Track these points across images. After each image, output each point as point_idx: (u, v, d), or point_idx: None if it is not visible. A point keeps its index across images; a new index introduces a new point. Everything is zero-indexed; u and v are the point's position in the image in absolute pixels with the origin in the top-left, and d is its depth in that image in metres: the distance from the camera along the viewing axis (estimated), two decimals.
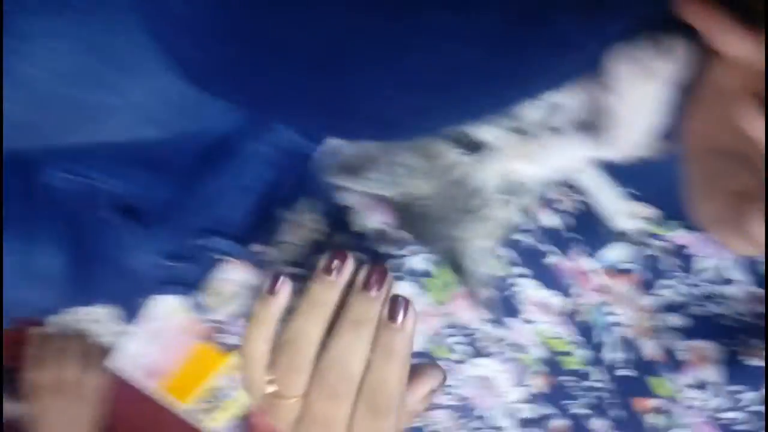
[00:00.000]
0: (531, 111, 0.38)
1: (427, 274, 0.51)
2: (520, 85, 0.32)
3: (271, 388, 0.39)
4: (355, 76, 0.30)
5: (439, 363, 0.53)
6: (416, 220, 0.39)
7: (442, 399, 0.55)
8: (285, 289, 0.39)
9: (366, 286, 0.38)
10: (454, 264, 0.42)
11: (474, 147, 0.38)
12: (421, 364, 0.41)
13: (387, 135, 0.37)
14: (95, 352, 1.05)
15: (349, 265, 0.39)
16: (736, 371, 0.48)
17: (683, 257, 0.50)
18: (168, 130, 0.42)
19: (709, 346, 0.49)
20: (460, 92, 0.31)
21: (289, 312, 0.39)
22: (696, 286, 0.51)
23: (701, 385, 0.48)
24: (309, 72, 0.30)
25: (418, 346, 0.53)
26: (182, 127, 0.42)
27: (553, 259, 0.50)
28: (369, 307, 0.38)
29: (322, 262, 0.39)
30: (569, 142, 0.38)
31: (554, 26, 0.28)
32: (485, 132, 0.38)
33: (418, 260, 0.51)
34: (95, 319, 1.03)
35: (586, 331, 0.50)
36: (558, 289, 0.50)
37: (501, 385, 0.53)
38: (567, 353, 0.51)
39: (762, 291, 0.51)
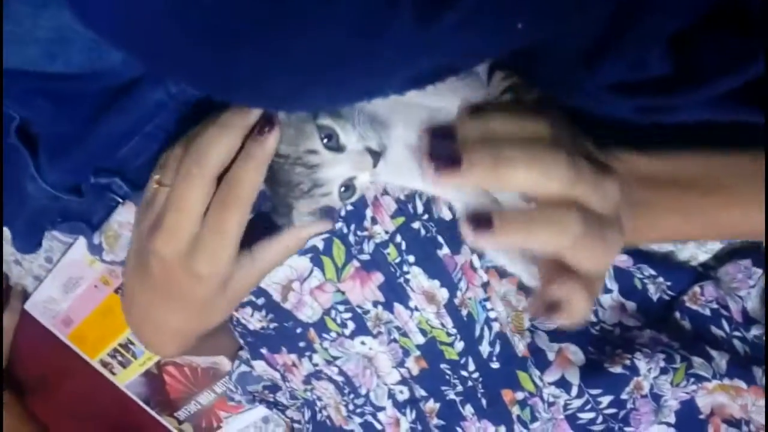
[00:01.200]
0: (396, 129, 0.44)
1: (323, 251, 0.53)
2: (383, 73, 0.34)
3: (156, 176, 0.45)
4: (236, 53, 0.32)
5: (332, 335, 0.55)
6: (269, 169, 0.44)
7: (332, 371, 0.57)
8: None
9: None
10: (284, 221, 0.47)
11: (334, 147, 0.43)
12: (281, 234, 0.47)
13: (263, 103, 0.40)
14: (13, 294, 1.04)
15: None
16: (597, 376, 0.51)
17: None
18: (74, 66, 0.43)
19: (576, 350, 0.52)
20: (327, 74, 0.33)
21: None
22: None
23: (564, 385, 0.51)
24: (195, 41, 0.32)
25: (314, 318, 0.55)
26: (86, 66, 0.43)
27: (445, 251, 0.52)
28: (239, 117, 0.43)
29: None
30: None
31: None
32: (351, 139, 0.43)
33: (316, 238, 0.52)
34: (17, 259, 1.02)
35: (468, 324, 0.53)
36: (446, 281, 0.52)
37: (382, 366, 0.55)
38: (448, 343, 0.53)
39: (628, 302, 0.55)
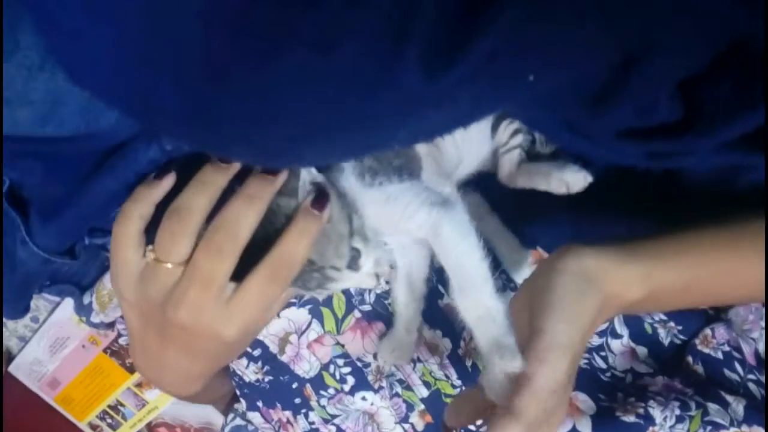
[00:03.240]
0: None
1: (323, 303, 0.52)
2: (386, 128, 0.34)
3: (150, 255, 0.43)
4: (232, 104, 0.31)
5: (330, 392, 0.53)
6: None
7: (329, 430, 0.55)
8: (169, 180, 0.44)
9: (265, 170, 0.43)
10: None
11: (354, 267, 0.45)
12: None
13: (258, 158, 0.39)
14: None
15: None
16: (610, 425, 0.49)
17: None
18: (66, 129, 0.42)
19: (585, 398, 0.51)
20: (324, 130, 0.33)
21: None
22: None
23: None
24: (188, 95, 0.31)
25: (311, 373, 0.53)
26: (80, 128, 0.43)
27: (446, 301, 0.51)
28: (265, 186, 0.42)
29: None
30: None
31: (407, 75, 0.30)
32: (368, 262, 0.45)
33: None
34: None
35: (472, 374, 0.51)
36: (448, 331, 0.51)
37: (385, 422, 0.53)
38: (453, 396, 0.52)
39: (639, 347, 0.54)
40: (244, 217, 0.41)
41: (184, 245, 0.42)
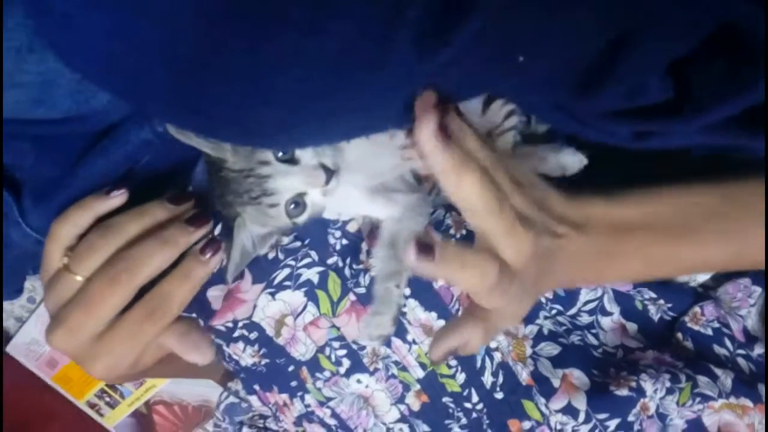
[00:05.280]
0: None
1: (318, 285, 0.52)
2: (372, 112, 0.34)
3: (64, 260, 0.44)
4: (222, 89, 0.32)
5: (325, 374, 0.54)
6: (218, 181, 0.44)
7: (324, 413, 0.55)
8: (119, 199, 0.45)
9: (189, 221, 0.45)
10: (228, 231, 0.46)
11: (287, 159, 0.42)
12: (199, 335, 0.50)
13: (250, 141, 0.39)
14: None
15: (191, 207, 0.46)
16: (604, 400, 0.50)
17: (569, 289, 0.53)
18: (58, 111, 0.42)
19: (580, 374, 0.51)
20: (315, 113, 0.33)
21: None
22: (578, 316, 0.54)
23: (571, 411, 0.50)
24: (178, 79, 0.31)
25: (307, 355, 0.54)
26: (72, 110, 0.43)
27: (441, 282, 0.51)
28: (183, 235, 0.44)
29: (172, 192, 0.46)
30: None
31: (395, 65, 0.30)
32: (306, 154, 0.43)
33: (311, 272, 0.51)
34: None
35: (468, 355, 0.52)
36: (443, 312, 0.51)
37: (380, 405, 0.54)
38: (449, 376, 0.52)
39: (629, 323, 0.54)
40: (150, 257, 0.43)
41: (95, 261, 0.43)
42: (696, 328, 0.54)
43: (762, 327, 0.54)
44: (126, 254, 0.43)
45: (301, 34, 0.29)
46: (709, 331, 0.54)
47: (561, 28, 0.31)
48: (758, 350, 0.53)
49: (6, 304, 0.98)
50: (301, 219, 0.44)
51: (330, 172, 0.43)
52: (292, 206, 0.43)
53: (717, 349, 0.54)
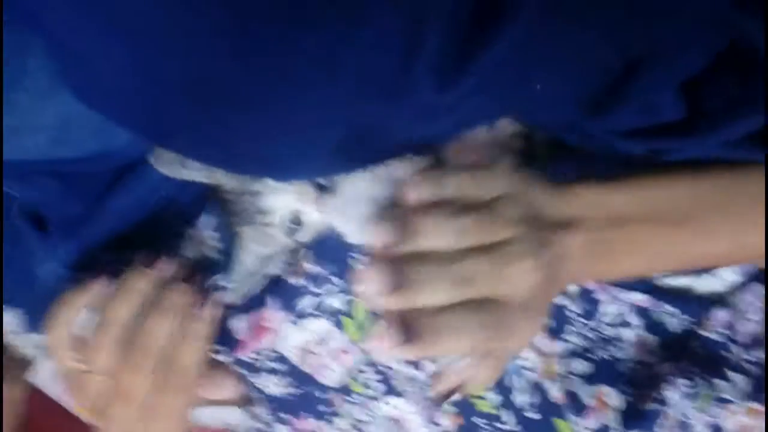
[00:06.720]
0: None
1: (343, 312, 0.52)
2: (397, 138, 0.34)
3: (78, 364, 0.46)
4: (240, 118, 0.32)
5: (356, 398, 0.53)
6: (221, 205, 0.46)
7: None
8: (98, 287, 0.46)
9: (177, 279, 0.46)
10: (227, 251, 0.47)
11: None
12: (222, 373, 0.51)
13: (270, 174, 0.40)
14: (15, 365, 1.01)
15: (169, 264, 0.46)
16: (634, 416, 0.50)
17: (589, 301, 0.52)
18: (81, 150, 0.43)
19: (609, 391, 0.51)
20: (330, 144, 0.33)
21: None
22: (598, 330, 0.53)
23: (603, 429, 0.50)
24: (199, 111, 0.32)
25: (337, 381, 0.53)
26: (95, 148, 0.44)
27: None
28: (177, 297, 0.45)
29: (142, 256, 0.47)
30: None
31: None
32: None
33: (336, 299, 0.51)
34: (15, 330, 1.00)
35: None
36: None
37: (413, 427, 0.53)
38: (479, 396, 0.52)
39: (650, 336, 0.54)
40: (159, 332, 0.44)
41: (109, 358, 0.44)
42: (705, 334, 0.53)
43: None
44: (137, 341, 0.44)
45: (317, 69, 0.29)
46: (718, 337, 0.53)
47: (576, 54, 0.31)
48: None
49: (34, 336, 0.99)
50: (302, 238, 0.44)
51: (322, 188, 0.43)
52: (289, 224, 0.44)
53: (725, 354, 0.53)
